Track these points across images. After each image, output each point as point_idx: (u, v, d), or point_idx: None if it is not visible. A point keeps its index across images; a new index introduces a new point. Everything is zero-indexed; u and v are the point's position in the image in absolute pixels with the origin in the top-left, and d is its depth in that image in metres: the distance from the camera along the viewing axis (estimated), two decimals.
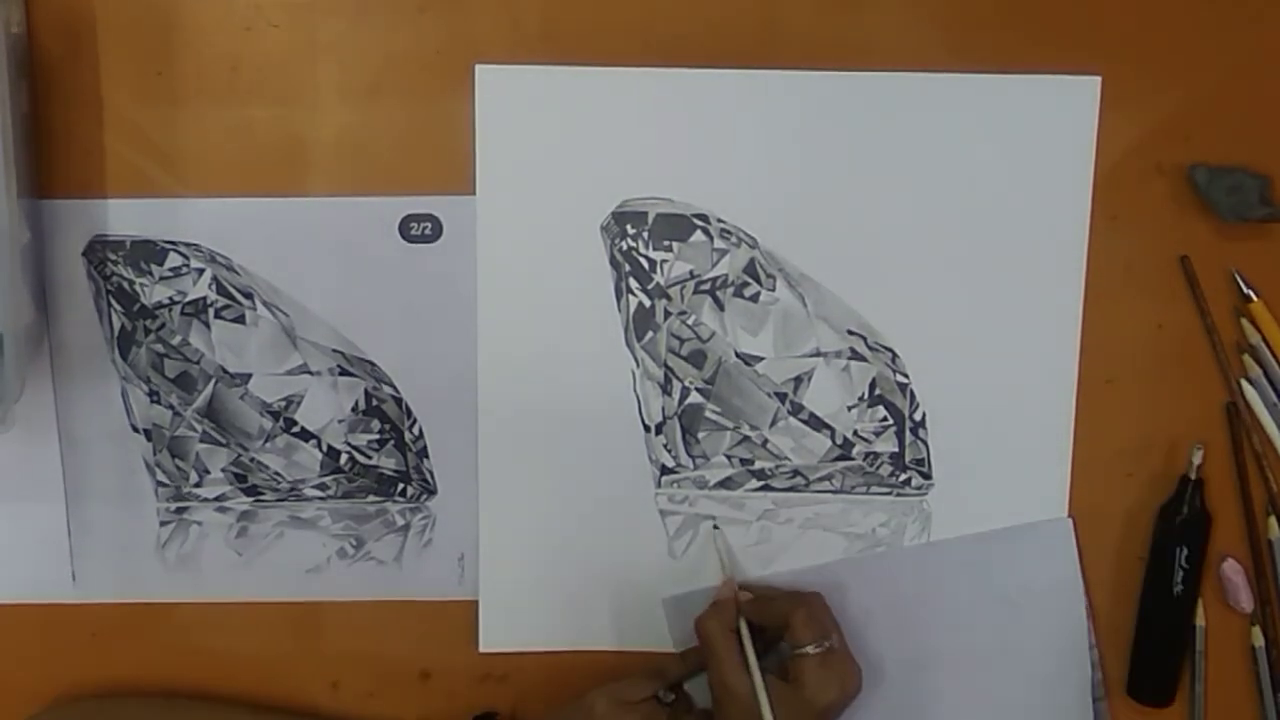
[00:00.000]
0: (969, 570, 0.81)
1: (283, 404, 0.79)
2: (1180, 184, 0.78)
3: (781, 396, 0.80)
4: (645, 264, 0.78)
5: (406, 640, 0.82)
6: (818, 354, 0.79)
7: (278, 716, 0.81)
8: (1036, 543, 0.81)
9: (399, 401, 0.79)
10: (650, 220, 0.77)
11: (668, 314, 0.79)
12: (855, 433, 0.80)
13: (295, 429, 0.79)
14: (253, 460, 0.80)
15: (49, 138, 0.75)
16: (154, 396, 0.79)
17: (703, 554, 0.81)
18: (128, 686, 0.82)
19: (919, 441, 0.80)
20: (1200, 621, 0.82)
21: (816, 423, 0.80)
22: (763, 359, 0.79)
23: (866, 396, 0.80)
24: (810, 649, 0.74)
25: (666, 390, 0.79)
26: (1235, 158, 0.77)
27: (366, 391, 0.79)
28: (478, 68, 0.75)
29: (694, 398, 0.80)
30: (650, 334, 0.79)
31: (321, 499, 0.80)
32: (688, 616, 0.80)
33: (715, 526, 0.81)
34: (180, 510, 0.80)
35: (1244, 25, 0.77)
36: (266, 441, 0.79)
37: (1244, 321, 0.79)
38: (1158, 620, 0.81)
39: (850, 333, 0.79)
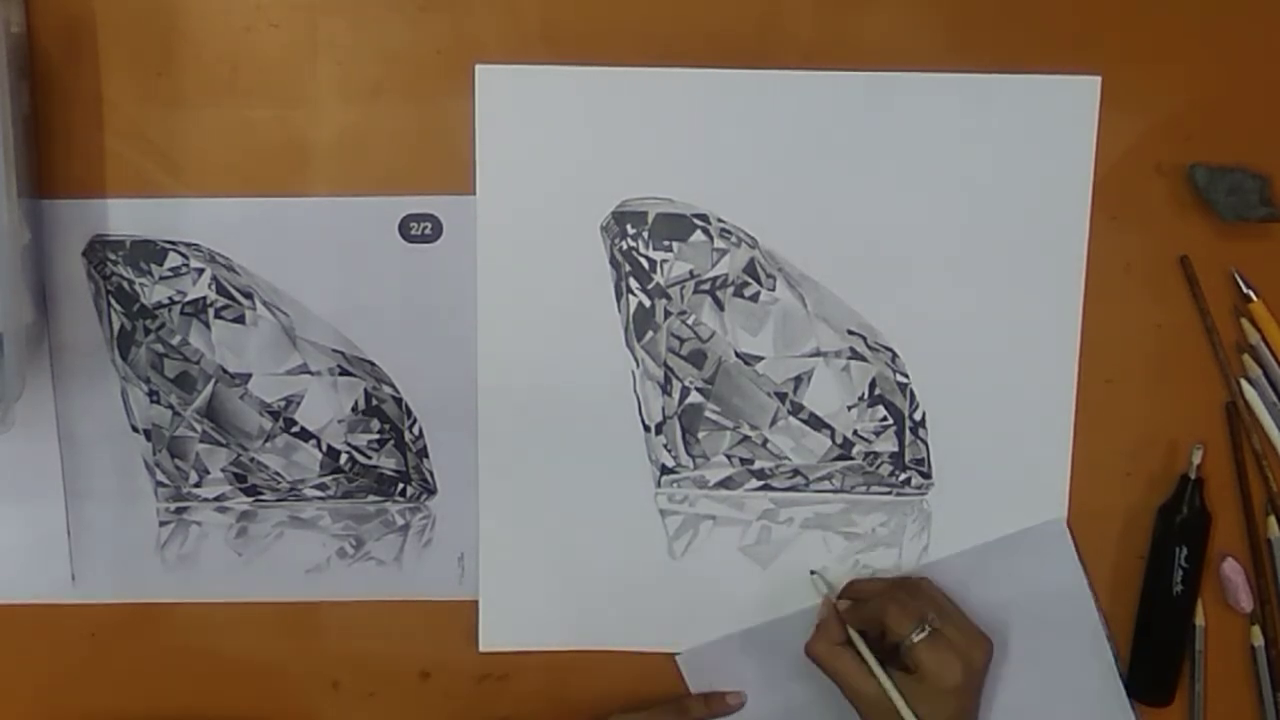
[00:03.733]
0: (969, 584, 0.80)
1: (283, 404, 0.79)
2: (1180, 184, 0.78)
3: (781, 396, 0.80)
4: (645, 264, 0.78)
5: (406, 640, 0.82)
6: (818, 354, 0.79)
7: None
8: (1033, 548, 0.80)
9: (399, 401, 0.79)
10: (650, 220, 0.77)
11: (668, 314, 0.79)
12: (855, 432, 0.80)
13: (295, 429, 0.79)
14: (253, 460, 0.80)
15: (49, 138, 0.75)
16: (154, 396, 0.79)
17: (702, 554, 0.81)
18: (128, 686, 0.82)
19: (919, 441, 0.80)
20: (1200, 621, 0.82)
21: (816, 422, 0.80)
22: (763, 359, 0.79)
23: (866, 396, 0.80)
24: (913, 637, 0.74)
25: (666, 390, 0.79)
26: (1235, 158, 0.77)
27: (366, 391, 0.79)
28: (478, 68, 0.75)
29: (694, 397, 0.80)
30: (650, 334, 0.79)
31: (321, 499, 0.80)
32: (706, 669, 0.81)
33: (813, 572, 0.81)
34: (180, 510, 0.80)
35: (1244, 25, 0.77)
36: (266, 441, 0.79)
37: (1244, 321, 0.79)
38: (1158, 620, 0.81)
39: (850, 333, 0.79)
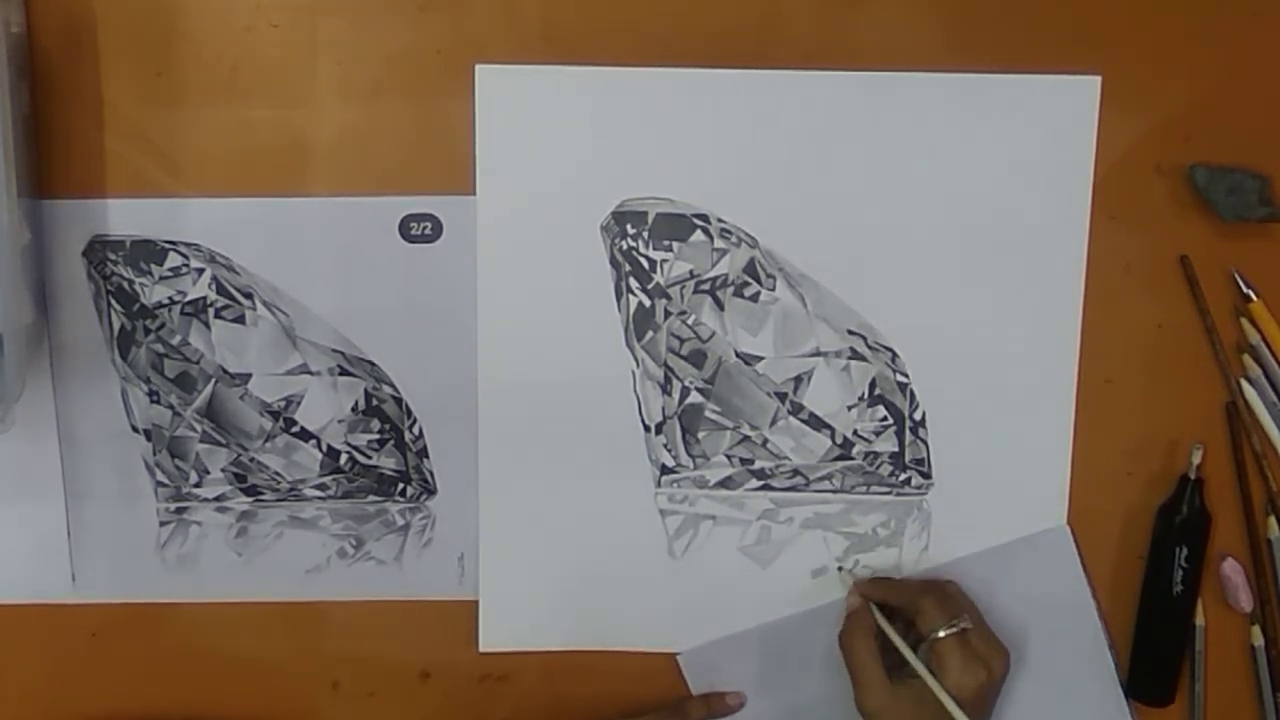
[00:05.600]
0: (971, 588, 0.79)
1: (283, 404, 0.79)
2: (1180, 184, 0.78)
3: (781, 396, 0.80)
4: (645, 264, 0.78)
5: (406, 640, 0.82)
6: (818, 354, 0.79)
7: None
8: (1037, 554, 0.80)
9: (399, 401, 0.79)
10: (650, 220, 0.77)
11: (668, 314, 0.79)
12: (855, 432, 0.80)
13: (295, 429, 0.79)
14: (253, 460, 0.80)
15: (49, 138, 0.75)
16: (154, 396, 0.79)
17: (702, 554, 0.81)
18: (128, 686, 0.82)
19: (919, 441, 0.80)
20: (1200, 621, 0.82)
21: (816, 422, 0.80)
22: (763, 359, 0.79)
23: (866, 396, 0.80)
24: (942, 631, 0.73)
25: (666, 390, 0.79)
26: (1235, 158, 0.77)
27: (366, 391, 0.79)
28: (478, 68, 0.75)
29: (694, 397, 0.80)
30: (650, 334, 0.79)
31: (321, 499, 0.80)
32: (707, 669, 0.81)
33: (840, 568, 0.81)
34: (180, 510, 0.80)
35: (1244, 25, 0.77)
36: (266, 441, 0.79)
37: (1244, 321, 0.79)
38: (1158, 620, 0.81)
39: (850, 333, 0.79)
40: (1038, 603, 0.81)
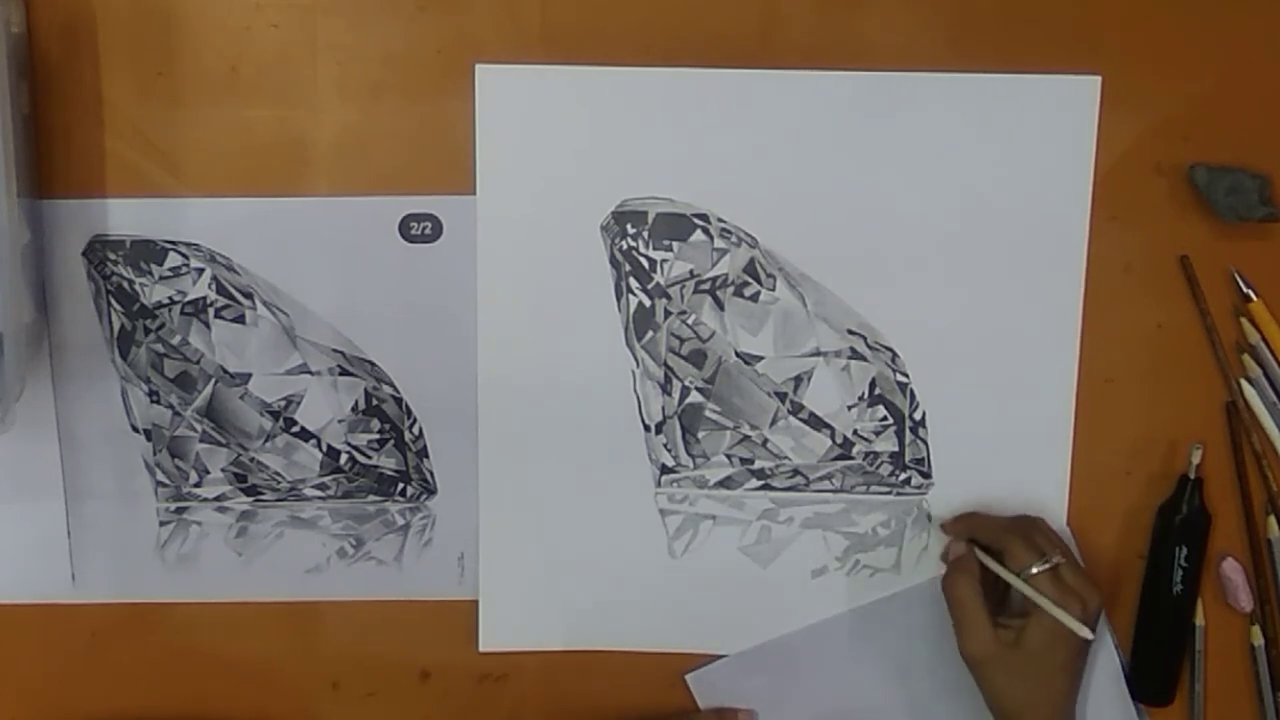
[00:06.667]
0: None
1: (283, 404, 0.79)
2: (1180, 184, 0.78)
3: (781, 396, 0.80)
4: (645, 264, 0.78)
5: (406, 640, 0.82)
6: (818, 354, 0.79)
7: None
8: None
9: (399, 401, 0.79)
10: (650, 220, 0.77)
11: (668, 314, 0.79)
12: (855, 432, 0.80)
13: (295, 429, 0.79)
14: (253, 460, 0.80)
15: (49, 138, 0.75)
16: (154, 396, 0.79)
17: (703, 554, 0.81)
18: (128, 686, 0.82)
19: (919, 441, 0.80)
20: (1200, 621, 0.82)
21: (816, 422, 0.80)
22: (763, 358, 0.79)
23: (866, 396, 0.80)
24: (1035, 569, 0.73)
25: (666, 390, 0.79)
26: (1235, 158, 0.77)
27: (366, 391, 0.79)
28: (478, 68, 0.75)
29: (694, 397, 0.80)
30: (650, 334, 0.79)
31: (321, 499, 0.80)
32: (714, 689, 0.81)
33: (929, 516, 0.81)
34: (180, 510, 0.80)
35: (1244, 25, 0.77)
36: (266, 441, 0.79)
37: (1244, 321, 0.79)
38: (1158, 620, 0.81)
39: (850, 332, 0.79)
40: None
